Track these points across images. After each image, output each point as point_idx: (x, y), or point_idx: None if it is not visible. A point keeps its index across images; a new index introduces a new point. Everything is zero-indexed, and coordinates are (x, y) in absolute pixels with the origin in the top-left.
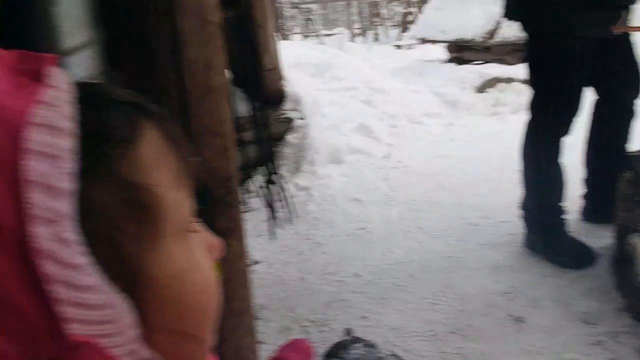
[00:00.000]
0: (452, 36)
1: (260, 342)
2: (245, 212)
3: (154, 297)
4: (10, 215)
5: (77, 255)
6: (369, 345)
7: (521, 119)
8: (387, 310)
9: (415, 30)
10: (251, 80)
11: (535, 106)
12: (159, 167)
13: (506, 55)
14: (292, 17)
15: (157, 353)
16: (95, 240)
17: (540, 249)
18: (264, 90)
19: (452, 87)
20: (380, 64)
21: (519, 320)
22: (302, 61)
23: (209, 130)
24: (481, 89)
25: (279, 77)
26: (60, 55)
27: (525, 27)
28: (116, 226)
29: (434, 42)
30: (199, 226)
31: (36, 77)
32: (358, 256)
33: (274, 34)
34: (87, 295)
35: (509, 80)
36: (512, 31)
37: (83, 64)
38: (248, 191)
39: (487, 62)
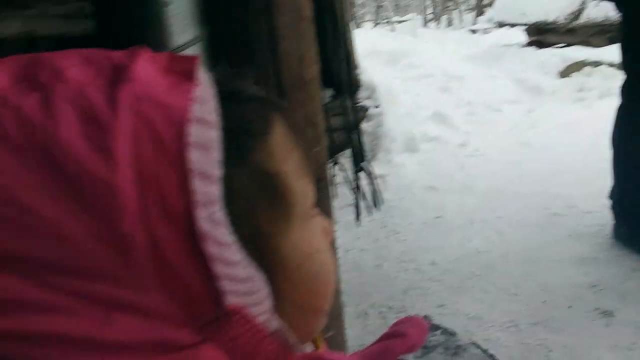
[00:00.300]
0: (532, 18)
1: None
2: (358, 196)
3: (285, 274)
4: (180, 200)
5: (226, 234)
6: (449, 332)
7: (609, 104)
8: (465, 299)
9: (491, 13)
10: (336, 71)
11: (628, 91)
12: (288, 157)
13: (592, 37)
14: (363, 5)
15: (285, 324)
16: (237, 221)
17: (629, 241)
18: (338, 79)
19: (533, 72)
20: (455, 50)
21: (607, 314)
22: (375, 49)
23: (304, 121)
24: (565, 73)
25: (354, 66)
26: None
27: (620, 6)
28: (254, 209)
29: (512, 25)
30: (317, 212)
31: (188, 76)
32: (435, 245)
33: (348, 22)
34: (236, 270)
35: (596, 63)
36: (599, 11)
37: None
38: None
39: (570, 45)
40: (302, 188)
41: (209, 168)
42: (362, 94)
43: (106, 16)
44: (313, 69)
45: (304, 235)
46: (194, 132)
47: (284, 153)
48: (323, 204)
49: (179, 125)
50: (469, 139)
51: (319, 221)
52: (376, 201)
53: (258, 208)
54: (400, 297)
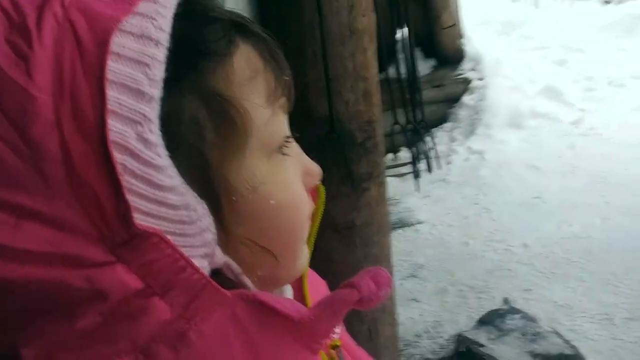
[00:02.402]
0: None
1: (414, 300)
2: (413, 172)
3: (232, 206)
4: (93, 110)
5: (160, 157)
6: (528, 317)
7: None
8: (555, 285)
9: None
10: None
11: None
12: (251, 84)
13: None
14: None
15: (233, 260)
16: (180, 145)
17: None
18: (440, 48)
19: None
20: (581, 21)
21: None
22: (489, 19)
23: (353, 73)
24: None
25: (458, 35)
26: None
27: None
28: (201, 135)
29: None
30: (296, 150)
31: None
32: (529, 226)
33: None
34: (166, 194)
35: None
36: None
37: (232, 4)
38: (420, 152)
39: None
40: (265, 119)
41: (142, 85)
42: (465, 65)
43: None
44: (365, 20)
45: (260, 167)
46: (123, 44)
47: (245, 79)
48: (372, 165)
49: (103, 35)
50: (584, 116)
51: (296, 160)
52: (431, 168)
53: (205, 133)
54: (483, 277)
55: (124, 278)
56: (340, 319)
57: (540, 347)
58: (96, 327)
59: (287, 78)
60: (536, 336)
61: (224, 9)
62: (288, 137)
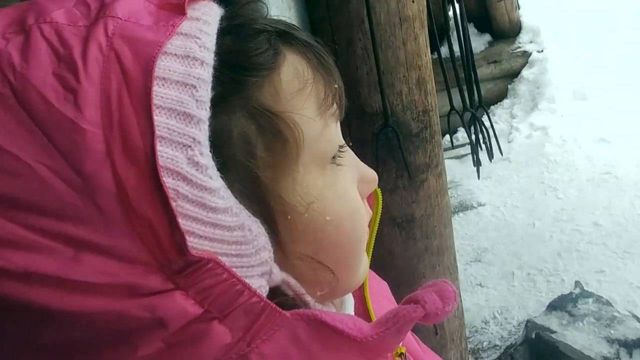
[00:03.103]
0: None
1: (479, 285)
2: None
3: (287, 223)
4: (142, 138)
5: (212, 179)
6: (603, 301)
7: None
8: (631, 266)
9: None
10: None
11: None
12: (300, 96)
13: None
14: None
15: (291, 277)
16: (231, 165)
17: None
18: (495, 22)
19: None
20: None
21: None
22: None
23: (405, 62)
24: None
25: (514, 7)
26: None
27: None
28: (252, 153)
29: None
30: (351, 158)
31: (179, 11)
32: (600, 204)
33: None
34: (220, 217)
35: None
36: None
37: (277, 3)
38: (481, 130)
39: None
40: (316, 130)
41: (190, 107)
42: (523, 38)
43: None
44: (415, 6)
45: (314, 181)
46: (168, 67)
47: (293, 91)
48: (429, 154)
49: (147, 62)
50: None
51: (351, 169)
52: (491, 153)
53: (255, 151)
54: (552, 260)
55: (183, 304)
56: (405, 335)
57: (617, 332)
58: (159, 354)
59: (337, 85)
60: (612, 320)
61: (268, 19)
62: (342, 146)
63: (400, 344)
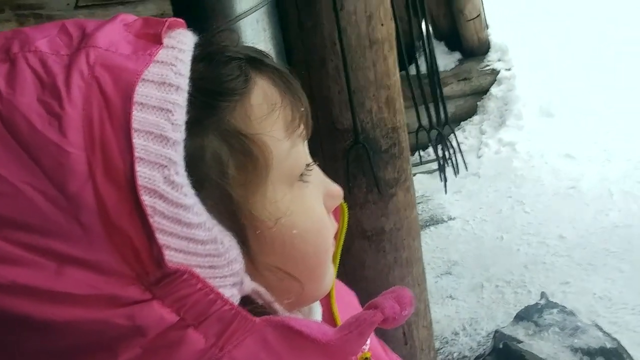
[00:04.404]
0: None
1: (450, 297)
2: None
3: (257, 237)
4: (123, 160)
5: (186, 197)
6: (566, 312)
7: None
8: (594, 277)
9: None
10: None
11: None
12: (269, 118)
13: None
14: None
15: (261, 287)
16: (205, 183)
17: None
18: (465, 41)
19: None
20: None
21: None
22: (512, 7)
23: (375, 82)
24: None
25: (483, 26)
26: (234, 19)
27: None
28: (224, 172)
29: None
30: (317, 175)
31: (156, 40)
32: (565, 217)
33: None
34: (195, 231)
35: None
36: None
37: (253, 25)
38: (447, 147)
39: None
40: (284, 150)
41: (166, 130)
42: (492, 56)
43: None
44: (384, 29)
45: (282, 197)
46: (146, 94)
47: (263, 114)
48: (398, 170)
49: (127, 88)
50: (616, 99)
51: (317, 185)
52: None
53: (227, 170)
54: (520, 271)
55: (160, 313)
56: (367, 338)
57: (581, 341)
58: (137, 359)
59: (304, 108)
60: (576, 330)
61: (239, 47)
62: (309, 164)
63: (366, 349)
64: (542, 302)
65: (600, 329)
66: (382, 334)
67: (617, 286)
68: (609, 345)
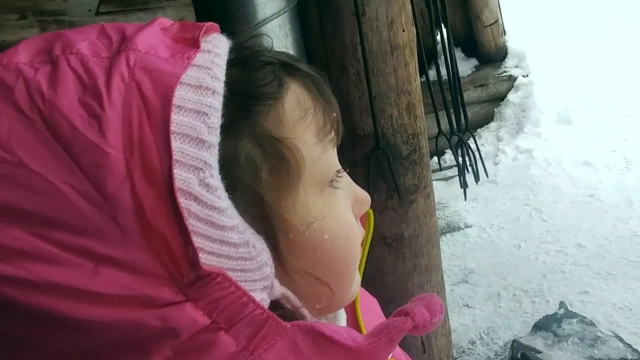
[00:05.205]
0: None
1: (466, 306)
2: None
3: (288, 241)
4: (161, 161)
5: (220, 199)
6: (586, 322)
7: None
8: (614, 287)
9: None
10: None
11: None
12: (302, 123)
13: None
14: None
15: (290, 291)
16: (238, 186)
17: None
18: (482, 47)
19: None
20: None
21: None
22: (531, 13)
23: (395, 88)
24: None
25: (500, 32)
26: (257, 25)
27: None
28: (257, 176)
29: None
30: (346, 181)
31: (193, 44)
32: (583, 226)
33: None
34: (228, 234)
35: None
36: None
37: (275, 31)
38: (467, 153)
39: None
40: (315, 155)
41: (202, 133)
42: (509, 63)
43: None
44: (405, 35)
45: (313, 202)
46: (184, 97)
47: (296, 118)
48: (418, 176)
49: (166, 91)
50: (638, 106)
51: (346, 191)
52: (477, 175)
53: (261, 174)
54: (537, 280)
55: (193, 315)
56: (395, 345)
57: (600, 352)
58: None
59: (335, 114)
60: (595, 341)
61: (272, 51)
62: (339, 171)
63: (390, 356)
64: (561, 311)
65: (621, 339)
66: (400, 342)
67: (637, 296)
68: (629, 357)
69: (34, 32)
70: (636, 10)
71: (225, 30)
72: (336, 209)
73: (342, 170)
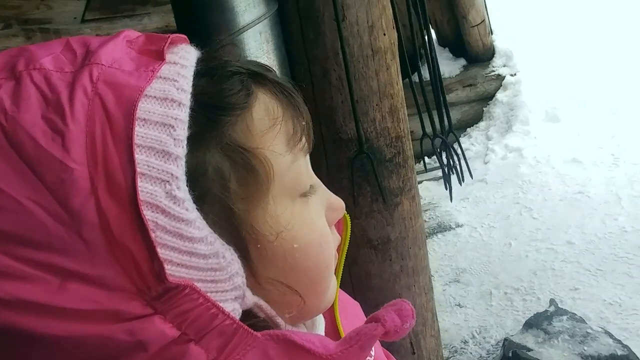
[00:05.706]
0: None
1: (458, 305)
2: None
3: (259, 250)
4: (124, 175)
5: (188, 211)
6: (576, 319)
7: None
8: (603, 283)
9: None
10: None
11: None
12: (271, 133)
13: None
14: None
15: (263, 300)
16: (206, 198)
17: None
18: (470, 47)
19: None
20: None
21: None
22: (517, 12)
23: (378, 91)
24: None
25: (487, 32)
26: (237, 32)
27: None
28: (225, 186)
29: None
30: (319, 188)
31: (159, 56)
32: (573, 223)
33: None
34: (196, 245)
35: None
36: None
37: (256, 38)
38: (453, 154)
39: None
40: (285, 164)
41: (168, 146)
42: (497, 62)
43: (181, 3)
44: (386, 38)
45: (283, 211)
46: (148, 109)
47: (264, 129)
48: (403, 179)
49: (129, 104)
50: (623, 103)
51: (319, 198)
52: (462, 177)
53: (229, 185)
54: (528, 278)
55: (161, 328)
56: (368, 352)
57: (591, 349)
58: None
59: (305, 122)
60: (586, 337)
61: (242, 61)
62: (312, 185)
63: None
64: (552, 309)
65: (611, 335)
66: (389, 344)
67: (626, 291)
68: (619, 353)
69: (19, 41)
70: (622, 8)
71: (206, 37)
72: (307, 217)
73: (316, 181)
